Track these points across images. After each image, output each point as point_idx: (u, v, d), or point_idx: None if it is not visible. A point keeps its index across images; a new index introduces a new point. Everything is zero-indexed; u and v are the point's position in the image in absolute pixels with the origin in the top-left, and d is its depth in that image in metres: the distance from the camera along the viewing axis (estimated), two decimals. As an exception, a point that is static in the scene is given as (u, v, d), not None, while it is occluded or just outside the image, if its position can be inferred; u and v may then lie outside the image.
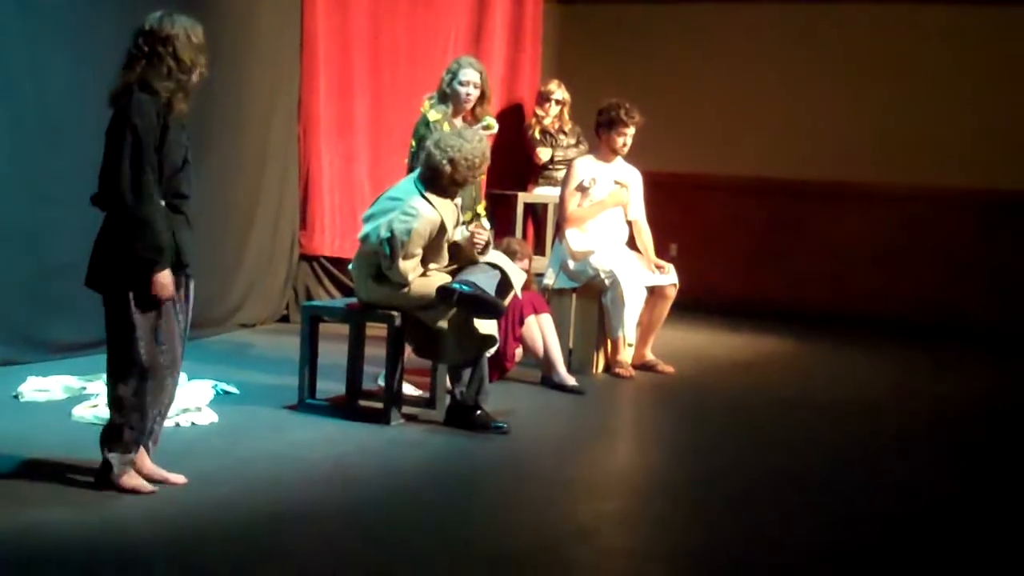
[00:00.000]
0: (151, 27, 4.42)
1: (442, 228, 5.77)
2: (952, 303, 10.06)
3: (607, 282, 7.41)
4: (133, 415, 4.47)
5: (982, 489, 5.35)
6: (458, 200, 6.00)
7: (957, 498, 5.19)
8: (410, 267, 5.74)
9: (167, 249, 4.38)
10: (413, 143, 6.40)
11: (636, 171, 7.86)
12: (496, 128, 6.76)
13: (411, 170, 6.17)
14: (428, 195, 5.75)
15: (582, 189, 7.61)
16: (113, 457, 4.49)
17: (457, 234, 5.98)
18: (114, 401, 4.48)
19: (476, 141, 5.81)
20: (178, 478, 4.67)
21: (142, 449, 4.59)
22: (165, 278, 4.39)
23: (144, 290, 4.38)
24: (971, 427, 6.70)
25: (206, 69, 4.52)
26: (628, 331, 7.42)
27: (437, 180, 5.78)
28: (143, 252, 4.34)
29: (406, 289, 5.77)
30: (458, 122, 6.46)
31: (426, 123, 6.34)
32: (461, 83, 6.48)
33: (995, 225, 10.04)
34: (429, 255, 5.82)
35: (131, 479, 4.53)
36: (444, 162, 5.73)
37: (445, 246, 5.89)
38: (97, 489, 4.48)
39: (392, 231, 5.69)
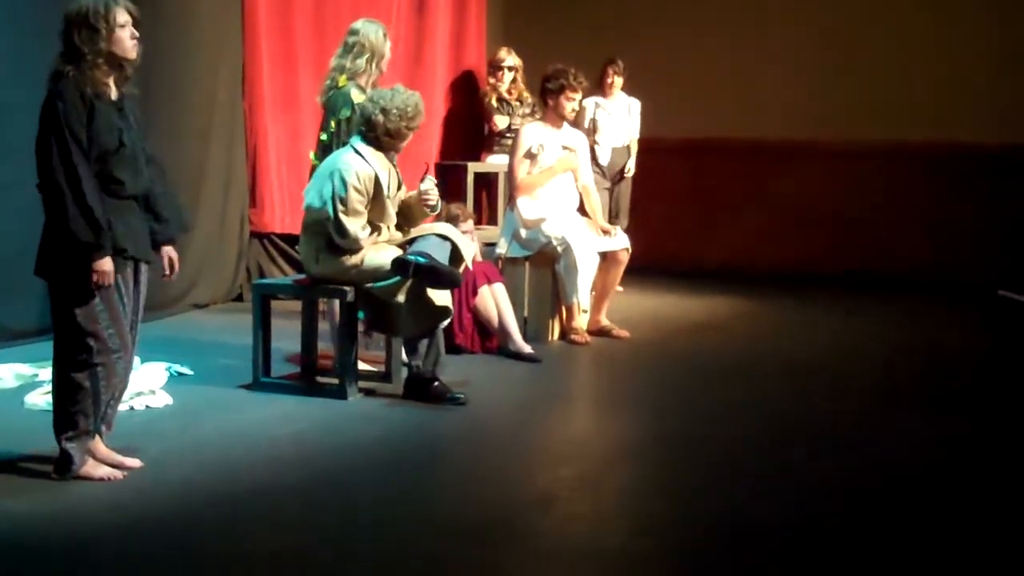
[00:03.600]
0: (65, 12, 4.35)
1: (378, 183, 5.76)
2: (903, 257, 10.18)
3: (559, 249, 7.41)
4: (86, 402, 4.43)
5: (957, 446, 5.41)
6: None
7: (936, 456, 5.25)
8: (357, 225, 5.72)
9: (105, 234, 4.28)
10: (332, 123, 6.17)
11: (582, 136, 7.86)
12: None
13: (329, 150, 6.07)
14: (361, 150, 5.78)
15: (530, 156, 7.60)
16: (72, 447, 4.45)
17: (402, 195, 5.97)
18: (66, 388, 4.43)
19: (408, 94, 5.85)
20: (133, 462, 4.63)
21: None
22: (106, 265, 4.30)
23: (83, 277, 4.29)
24: (934, 381, 6.75)
25: (134, 38, 4.38)
26: (582, 297, 7.43)
27: (371, 132, 5.80)
28: (82, 236, 4.24)
29: (358, 259, 5.75)
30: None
31: (348, 103, 6.11)
32: (386, 59, 6.36)
33: (944, 179, 10.13)
34: (374, 215, 5.82)
35: (97, 469, 4.49)
36: (377, 112, 5.77)
37: (389, 206, 5.88)
38: (58, 480, 4.44)
39: (332, 189, 5.69)
